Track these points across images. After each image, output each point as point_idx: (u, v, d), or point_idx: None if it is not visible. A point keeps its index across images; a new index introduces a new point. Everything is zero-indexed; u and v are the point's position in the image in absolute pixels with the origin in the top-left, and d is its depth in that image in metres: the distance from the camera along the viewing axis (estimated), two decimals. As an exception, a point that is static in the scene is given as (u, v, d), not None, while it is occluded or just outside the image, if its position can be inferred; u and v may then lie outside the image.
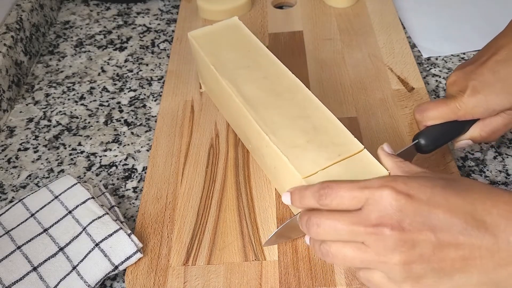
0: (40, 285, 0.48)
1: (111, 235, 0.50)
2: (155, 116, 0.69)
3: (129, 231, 0.51)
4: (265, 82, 0.56)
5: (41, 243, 0.51)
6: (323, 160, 0.47)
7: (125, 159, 0.63)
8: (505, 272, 0.38)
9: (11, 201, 0.59)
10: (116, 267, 0.49)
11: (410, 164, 0.45)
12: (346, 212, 0.40)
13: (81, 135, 0.67)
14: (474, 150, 0.61)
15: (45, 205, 0.54)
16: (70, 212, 0.53)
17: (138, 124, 0.68)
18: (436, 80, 0.71)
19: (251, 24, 0.80)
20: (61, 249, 0.50)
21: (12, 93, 0.72)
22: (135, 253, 0.50)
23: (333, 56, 0.73)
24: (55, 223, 0.52)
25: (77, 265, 0.49)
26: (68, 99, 0.72)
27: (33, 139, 0.67)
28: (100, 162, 0.63)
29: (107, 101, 0.72)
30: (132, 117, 0.69)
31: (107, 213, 0.52)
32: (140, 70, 0.76)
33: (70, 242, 0.51)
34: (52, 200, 0.54)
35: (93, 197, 0.54)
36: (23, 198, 0.54)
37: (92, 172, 0.62)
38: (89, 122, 0.69)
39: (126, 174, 0.62)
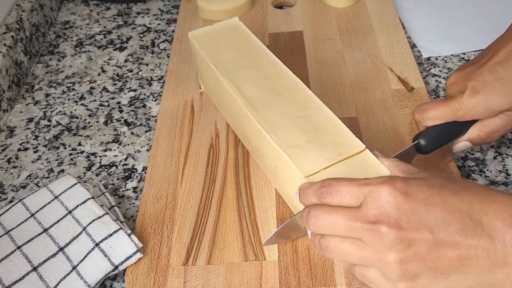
0: (40, 285, 0.48)
1: (111, 235, 0.50)
2: (155, 116, 0.69)
3: (129, 231, 0.51)
4: (265, 82, 0.56)
5: (41, 243, 0.51)
6: (324, 160, 0.47)
7: (125, 159, 0.63)
8: (501, 272, 0.38)
9: (11, 201, 0.59)
10: (116, 267, 0.49)
11: (408, 164, 0.46)
12: (345, 208, 0.41)
13: (81, 135, 0.67)
14: (474, 150, 0.61)
15: (45, 205, 0.54)
16: (70, 212, 0.53)
17: (138, 124, 0.68)
18: (436, 80, 0.71)
19: (251, 24, 0.80)
20: (61, 249, 0.50)
21: (12, 93, 0.72)
22: (135, 253, 0.50)
23: (333, 56, 0.73)
24: (55, 223, 0.52)
25: (77, 265, 0.49)
26: (68, 99, 0.72)
27: (33, 139, 0.67)
28: (100, 162, 0.63)
29: (107, 101, 0.72)
30: (132, 117, 0.69)
31: (107, 213, 0.52)
32: (140, 70, 0.76)
33: (70, 242, 0.51)
34: (52, 200, 0.54)
35: (93, 197, 0.54)
36: (23, 198, 0.54)
37: (92, 172, 0.62)
38: (89, 122, 0.69)
39: (126, 174, 0.62)
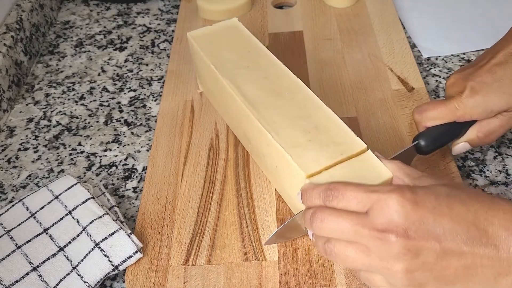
0: (40, 285, 0.48)
1: (111, 235, 0.50)
2: (155, 116, 0.69)
3: (129, 231, 0.51)
4: (265, 82, 0.56)
5: (41, 243, 0.51)
6: (325, 159, 0.47)
7: (125, 159, 0.63)
8: (505, 281, 0.38)
9: (11, 201, 0.59)
10: (116, 267, 0.49)
11: (411, 167, 0.45)
12: (352, 212, 0.40)
13: (81, 135, 0.67)
14: (474, 150, 0.61)
15: (45, 205, 0.54)
16: (70, 212, 0.53)
17: (138, 124, 0.68)
18: (436, 80, 0.71)
19: (251, 24, 0.80)
20: (61, 249, 0.50)
21: (12, 93, 0.72)
22: (135, 253, 0.50)
23: (333, 56, 0.73)
24: (55, 223, 0.52)
25: (77, 265, 0.49)
26: (68, 99, 0.72)
27: (33, 139, 0.67)
28: (100, 162, 0.63)
29: (107, 101, 0.72)
30: (132, 117, 0.69)
31: (107, 213, 0.52)
32: (140, 70, 0.76)
33: (70, 242, 0.51)
34: (52, 200, 0.54)
35: (93, 197, 0.54)
36: (23, 198, 0.54)
37: (92, 172, 0.62)
38: (89, 122, 0.69)
39: (126, 174, 0.62)
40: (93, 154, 0.64)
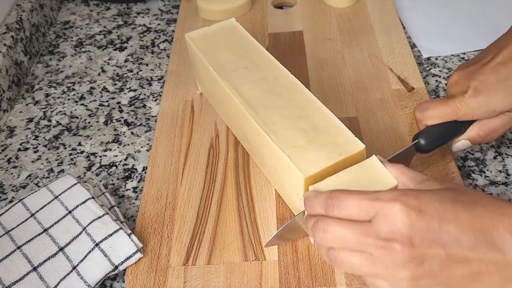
0: (40, 285, 0.48)
1: (111, 235, 0.50)
2: (155, 116, 0.69)
3: (129, 231, 0.51)
4: (263, 83, 0.56)
5: (41, 243, 0.51)
6: (324, 160, 0.47)
7: (125, 159, 0.63)
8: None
9: (11, 201, 0.59)
10: (116, 267, 0.49)
11: (415, 171, 0.45)
12: (355, 222, 0.40)
13: (81, 135, 0.67)
14: (474, 150, 0.61)
15: (45, 205, 0.54)
16: (70, 212, 0.53)
17: (138, 124, 0.68)
18: (436, 80, 0.71)
19: (251, 24, 0.80)
20: (61, 249, 0.50)
21: (12, 93, 0.72)
22: (135, 253, 0.50)
23: (333, 56, 0.73)
24: (55, 223, 0.52)
25: (77, 265, 0.49)
26: (68, 99, 0.72)
27: (33, 139, 0.67)
28: (100, 162, 0.63)
29: (107, 101, 0.72)
30: (132, 117, 0.69)
31: (107, 213, 0.52)
32: (140, 70, 0.76)
33: (70, 242, 0.51)
34: (52, 200, 0.54)
35: (93, 197, 0.54)
36: (23, 198, 0.54)
37: (92, 172, 0.62)
38: (89, 122, 0.69)
39: (126, 174, 0.62)
40: (93, 154, 0.64)
